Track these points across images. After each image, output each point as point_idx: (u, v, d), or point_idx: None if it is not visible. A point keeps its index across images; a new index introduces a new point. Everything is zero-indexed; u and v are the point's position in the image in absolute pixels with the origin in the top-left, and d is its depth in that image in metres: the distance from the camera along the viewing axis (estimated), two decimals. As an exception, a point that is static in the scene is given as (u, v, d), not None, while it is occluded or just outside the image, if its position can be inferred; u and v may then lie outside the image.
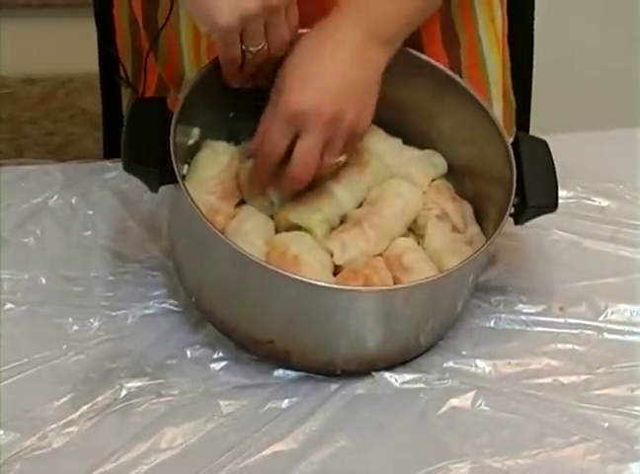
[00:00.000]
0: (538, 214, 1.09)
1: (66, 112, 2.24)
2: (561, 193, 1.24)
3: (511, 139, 1.10)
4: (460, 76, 1.18)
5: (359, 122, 1.05)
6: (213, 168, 1.09)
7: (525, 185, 1.06)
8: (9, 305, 1.09)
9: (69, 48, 2.14)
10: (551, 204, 1.08)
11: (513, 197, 1.04)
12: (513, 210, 1.05)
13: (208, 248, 1.00)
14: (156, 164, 0.99)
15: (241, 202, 1.09)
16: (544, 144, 1.11)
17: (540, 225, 1.21)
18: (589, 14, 2.15)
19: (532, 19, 1.40)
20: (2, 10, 2.08)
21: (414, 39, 1.15)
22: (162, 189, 1.02)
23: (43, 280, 1.12)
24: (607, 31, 2.22)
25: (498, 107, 1.30)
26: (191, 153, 1.10)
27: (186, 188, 0.98)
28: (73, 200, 1.20)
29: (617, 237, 1.22)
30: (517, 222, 1.08)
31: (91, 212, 1.19)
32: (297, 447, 1.00)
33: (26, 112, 2.22)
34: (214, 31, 0.99)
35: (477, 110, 1.12)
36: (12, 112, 2.21)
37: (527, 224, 1.20)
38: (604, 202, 1.25)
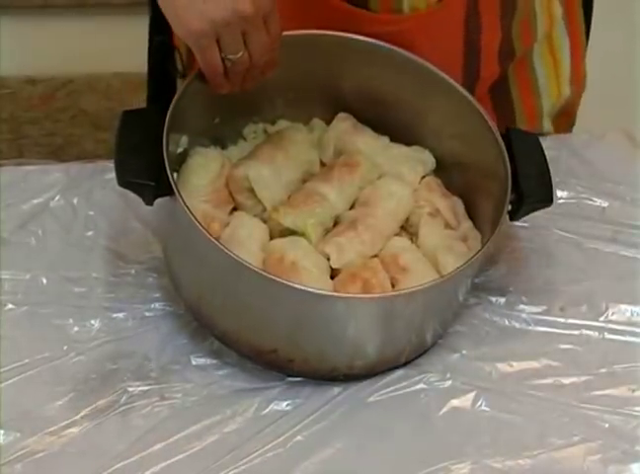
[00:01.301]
0: (534, 210, 1.09)
1: (67, 112, 2.23)
2: (562, 193, 1.25)
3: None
4: (509, 92, 1.19)
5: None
6: (206, 175, 1.09)
7: (520, 181, 1.06)
8: (10, 306, 1.09)
9: (70, 49, 2.14)
10: (547, 199, 1.08)
11: (509, 195, 1.04)
12: (509, 208, 1.05)
13: (208, 259, 1.00)
14: (151, 177, 0.99)
15: (234, 209, 1.10)
16: (535, 139, 1.12)
17: (541, 226, 1.22)
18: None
19: (588, 34, 1.40)
20: (2, 10, 2.07)
21: (474, 49, 1.18)
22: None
23: (44, 281, 1.12)
24: (608, 31, 2.21)
25: (548, 123, 1.31)
26: (179, 161, 1.09)
27: (184, 200, 0.98)
28: (74, 201, 1.19)
29: (618, 238, 1.22)
30: (512, 218, 1.08)
31: (92, 213, 1.18)
32: (299, 448, 1.00)
33: (26, 112, 2.22)
34: (187, 37, 0.98)
35: (465, 105, 1.12)
36: (12, 112, 2.21)
37: (528, 225, 1.21)
38: (605, 203, 1.25)
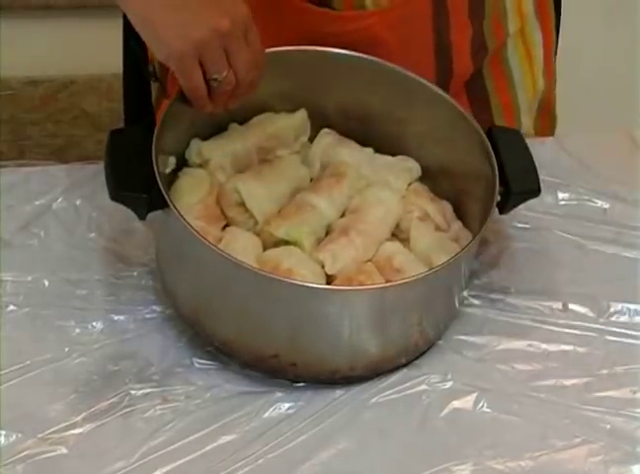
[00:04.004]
0: (522, 201, 1.10)
1: (68, 113, 2.23)
2: (563, 195, 1.25)
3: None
4: (485, 87, 1.20)
5: (235, 13, 0.99)
6: (196, 194, 1.09)
7: (507, 173, 1.07)
8: (11, 307, 1.09)
9: (71, 50, 2.14)
10: (534, 189, 1.09)
11: (497, 187, 1.05)
12: (498, 199, 1.06)
13: (204, 264, 1.00)
14: (144, 191, 0.99)
15: (226, 226, 1.10)
16: (516, 132, 1.13)
17: (542, 227, 1.22)
18: (590, 15, 2.15)
19: (558, 28, 1.40)
20: (3, 11, 2.08)
21: (444, 47, 1.19)
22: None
23: (46, 283, 1.12)
24: (608, 32, 2.22)
25: (527, 119, 1.31)
26: (168, 181, 1.09)
27: (177, 208, 0.98)
28: (77, 202, 1.19)
29: (619, 239, 1.22)
30: (501, 212, 1.09)
31: (95, 214, 1.18)
32: (300, 449, 1.00)
33: (28, 113, 2.22)
34: (170, 59, 0.98)
35: (447, 109, 1.13)
36: (14, 113, 2.21)
37: (529, 226, 1.21)
38: (606, 204, 1.25)
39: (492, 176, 1.06)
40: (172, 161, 1.11)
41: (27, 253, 1.14)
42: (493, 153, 1.08)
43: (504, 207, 1.08)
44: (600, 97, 2.19)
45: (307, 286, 0.98)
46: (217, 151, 1.12)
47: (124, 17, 1.38)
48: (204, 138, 1.14)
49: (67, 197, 1.19)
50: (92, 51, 2.12)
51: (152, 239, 1.14)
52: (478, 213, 1.09)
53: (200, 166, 1.13)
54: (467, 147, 1.11)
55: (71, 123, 2.23)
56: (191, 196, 1.09)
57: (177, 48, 0.97)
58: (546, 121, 1.35)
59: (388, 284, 1.03)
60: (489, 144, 1.08)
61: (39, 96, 2.21)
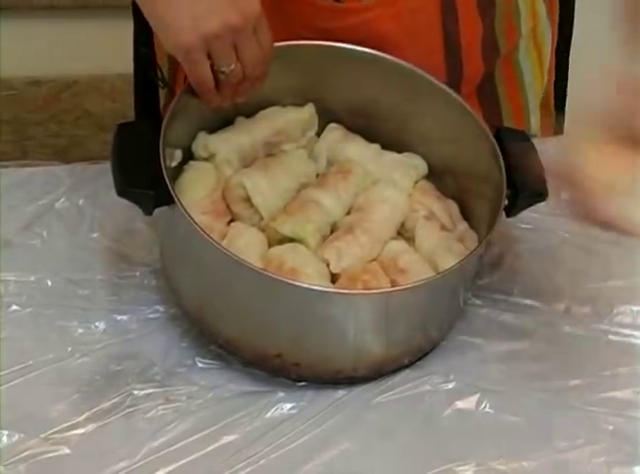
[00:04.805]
0: (530, 204, 1.10)
1: (71, 113, 2.24)
2: (567, 195, 1.24)
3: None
4: (496, 92, 1.20)
5: (247, 8, 0.99)
6: (202, 188, 1.09)
7: (514, 177, 1.07)
8: (14, 307, 1.09)
9: (74, 50, 2.14)
10: (542, 193, 1.09)
11: (504, 191, 1.05)
12: (506, 202, 1.06)
13: (208, 262, 1.00)
14: (150, 187, 0.99)
15: (231, 221, 1.10)
16: (524, 135, 1.13)
17: (546, 228, 1.22)
18: (590, 16, 2.15)
19: (571, 30, 1.40)
20: (6, 11, 2.08)
21: (453, 43, 1.19)
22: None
23: (49, 283, 1.12)
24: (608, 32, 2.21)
25: (535, 117, 1.31)
26: (174, 175, 1.09)
27: (183, 206, 0.98)
28: (80, 202, 1.19)
29: (623, 240, 1.22)
30: (508, 215, 1.08)
31: (97, 214, 1.18)
32: (302, 450, 1.00)
33: (31, 113, 2.23)
34: (177, 51, 0.99)
35: (455, 108, 1.13)
36: (17, 113, 2.21)
37: (533, 227, 1.21)
38: (610, 205, 1.25)
39: (499, 178, 1.06)
40: (178, 154, 1.11)
41: (29, 253, 1.14)
42: (501, 155, 1.07)
43: (511, 211, 1.08)
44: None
45: (312, 289, 0.97)
46: (224, 145, 1.12)
47: (134, 21, 1.38)
48: (211, 132, 1.13)
49: (70, 198, 1.19)
50: (95, 51, 2.13)
51: (155, 239, 1.14)
52: (485, 215, 1.09)
53: (207, 160, 1.13)
54: (474, 147, 1.11)
55: (74, 124, 2.24)
56: (196, 190, 1.09)
57: (186, 41, 0.97)
58: (547, 118, 1.35)
59: (394, 289, 1.03)
60: (497, 146, 1.08)
61: (41, 96, 2.21)
